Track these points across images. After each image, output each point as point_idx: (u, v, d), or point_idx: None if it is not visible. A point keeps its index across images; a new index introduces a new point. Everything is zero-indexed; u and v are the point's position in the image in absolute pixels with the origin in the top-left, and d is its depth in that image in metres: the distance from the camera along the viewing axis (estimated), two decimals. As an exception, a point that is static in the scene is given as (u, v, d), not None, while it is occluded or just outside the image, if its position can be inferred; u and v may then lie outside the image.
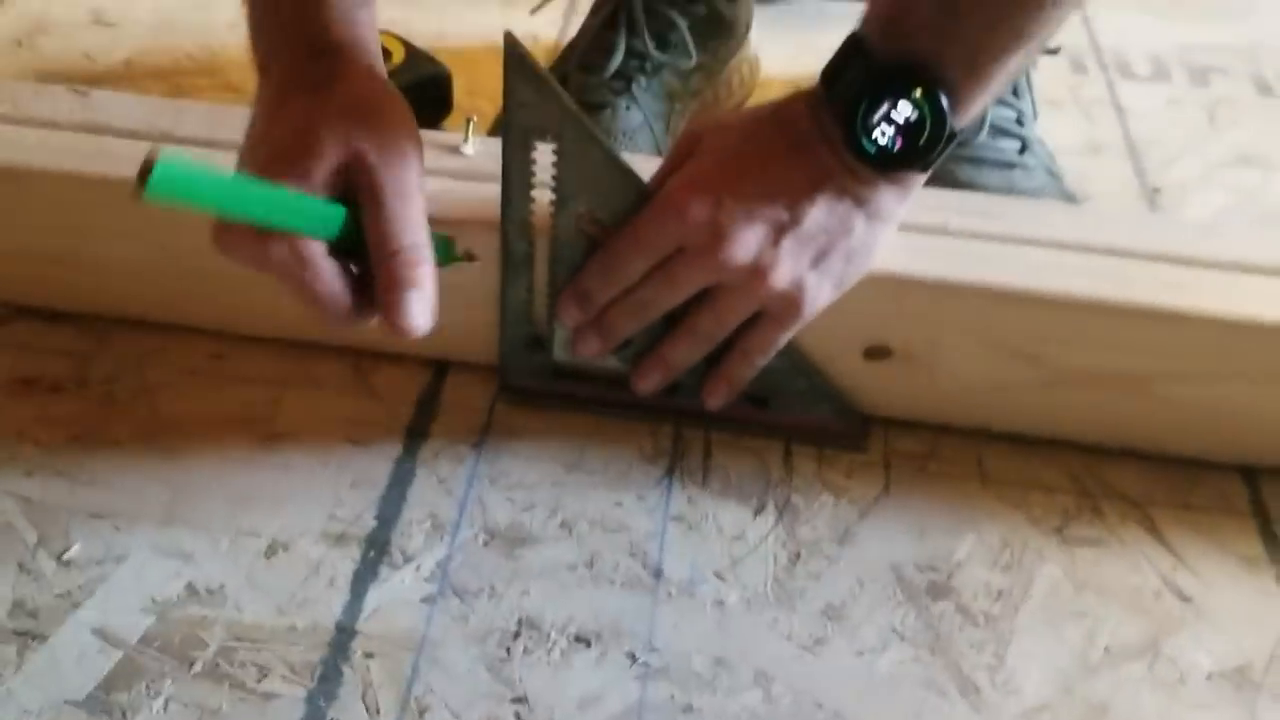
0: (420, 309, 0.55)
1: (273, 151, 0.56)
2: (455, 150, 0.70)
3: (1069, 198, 0.83)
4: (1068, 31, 1.11)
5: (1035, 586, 0.62)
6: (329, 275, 0.55)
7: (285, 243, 0.54)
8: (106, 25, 1.03)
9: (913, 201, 0.61)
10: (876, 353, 0.67)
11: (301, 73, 0.58)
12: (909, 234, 0.67)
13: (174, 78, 0.97)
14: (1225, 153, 0.98)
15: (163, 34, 1.02)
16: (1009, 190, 0.80)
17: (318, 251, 0.55)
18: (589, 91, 0.85)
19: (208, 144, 0.69)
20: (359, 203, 0.56)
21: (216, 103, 0.91)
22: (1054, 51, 0.90)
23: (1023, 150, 0.83)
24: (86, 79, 0.94)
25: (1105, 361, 0.66)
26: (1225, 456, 0.69)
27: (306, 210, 0.55)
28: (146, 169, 0.50)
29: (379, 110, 0.58)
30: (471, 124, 0.71)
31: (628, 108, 0.85)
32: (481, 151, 0.70)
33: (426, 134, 0.70)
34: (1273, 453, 0.68)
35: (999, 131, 0.83)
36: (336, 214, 0.55)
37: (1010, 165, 0.82)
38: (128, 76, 0.96)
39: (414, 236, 0.56)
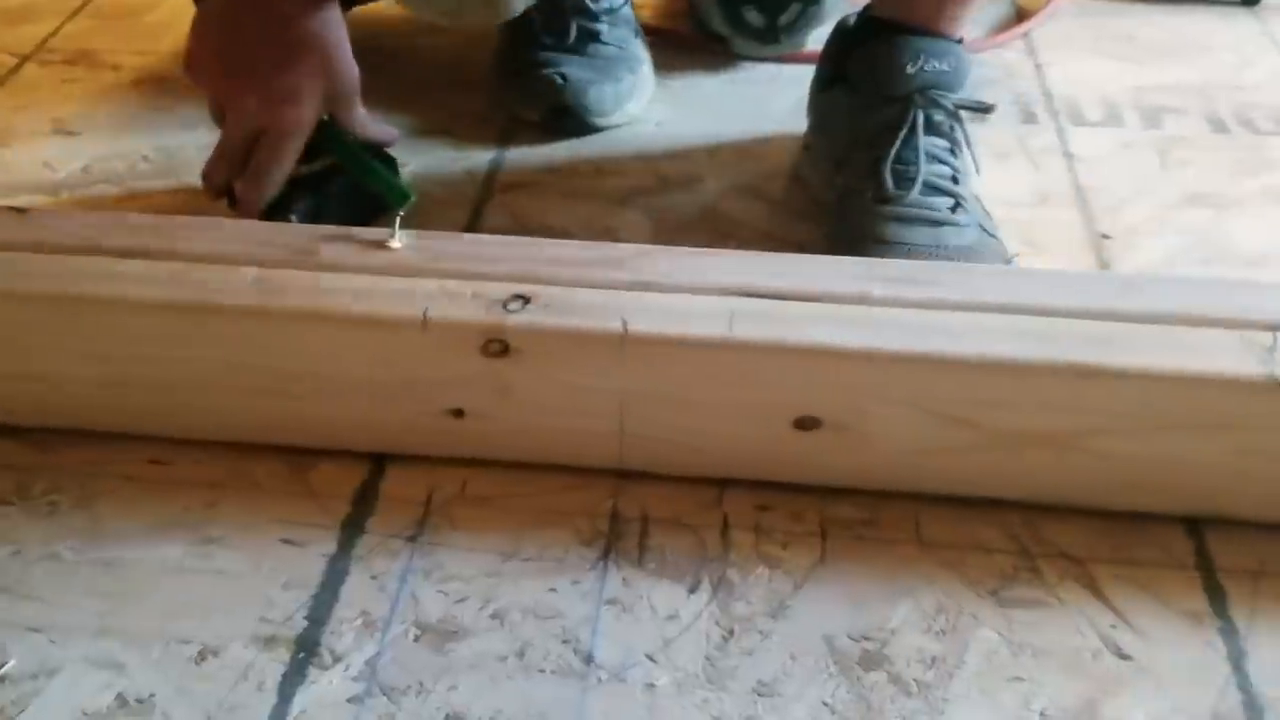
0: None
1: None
2: (382, 245, 0.71)
3: (1002, 255, 0.83)
4: (1019, 81, 1.13)
5: (970, 652, 0.62)
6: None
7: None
8: (68, 134, 1.05)
9: None
10: (806, 423, 0.67)
11: None
12: (832, 304, 0.68)
13: (129, 181, 0.99)
14: (1176, 193, 0.98)
15: (121, 138, 1.04)
16: (937, 247, 0.80)
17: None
18: None
19: (143, 254, 0.71)
20: None
21: (170, 204, 0.93)
22: (988, 110, 0.90)
23: (955, 208, 0.83)
24: (49, 188, 0.97)
25: (1038, 421, 0.65)
26: (1168, 509, 0.68)
27: None
28: None
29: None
30: (399, 218, 0.72)
31: None
32: (408, 246, 0.71)
33: (354, 230, 0.72)
34: (1216, 503, 0.67)
35: (932, 189, 0.83)
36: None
37: (940, 223, 0.82)
38: (85, 183, 0.98)
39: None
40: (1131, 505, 0.68)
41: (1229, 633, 0.63)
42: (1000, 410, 0.65)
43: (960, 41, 0.89)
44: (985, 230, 0.83)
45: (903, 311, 0.67)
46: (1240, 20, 1.26)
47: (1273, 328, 0.66)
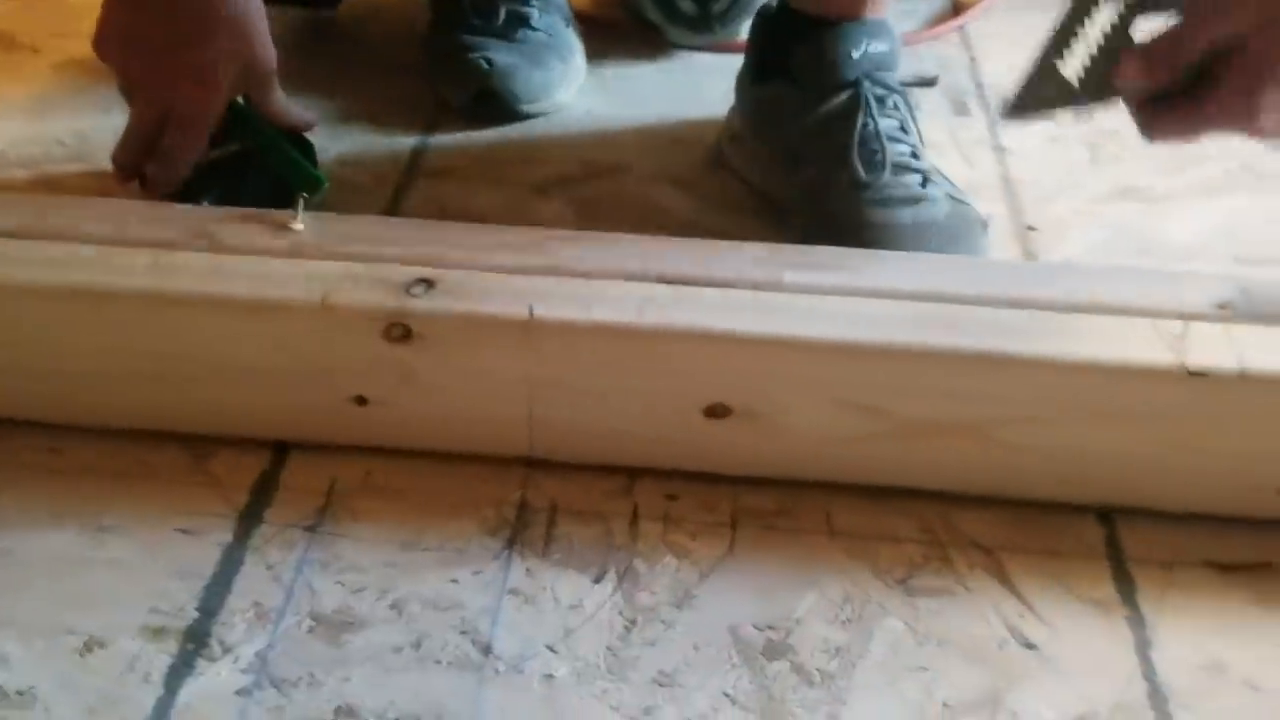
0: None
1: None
2: (284, 227, 0.70)
3: (979, 220, 0.83)
4: (953, 74, 1.13)
5: (875, 641, 0.61)
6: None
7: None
8: (-17, 117, 1.03)
9: None
10: (717, 411, 0.66)
11: None
12: (743, 291, 0.67)
13: (44, 165, 0.96)
14: (1105, 187, 0.97)
15: (37, 122, 1.02)
16: (918, 224, 0.81)
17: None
18: None
19: (38, 235, 0.69)
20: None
21: (83, 188, 0.91)
22: (931, 83, 0.91)
23: (924, 183, 0.83)
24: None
25: (945, 410, 0.65)
26: (1080, 498, 0.68)
27: None
28: None
29: None
30: (302, 200, 0.71)
31: None
32: (312, 228, 0.70)
33: (255, 212, 0.70)
34: (1127, 493, 0.67)
35: (900, 168, 0.83)
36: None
37: (916, 200, 0.82)
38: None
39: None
40: (1043, 495, 0.67)
41: (1136, 622, 0.62)
42: (910, 399, 0.64)
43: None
44: (956, 199, 0.83)
45: (814, 298, 0.66)
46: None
47: (1184, 316, 0.65)
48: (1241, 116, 0.65)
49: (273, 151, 0.84)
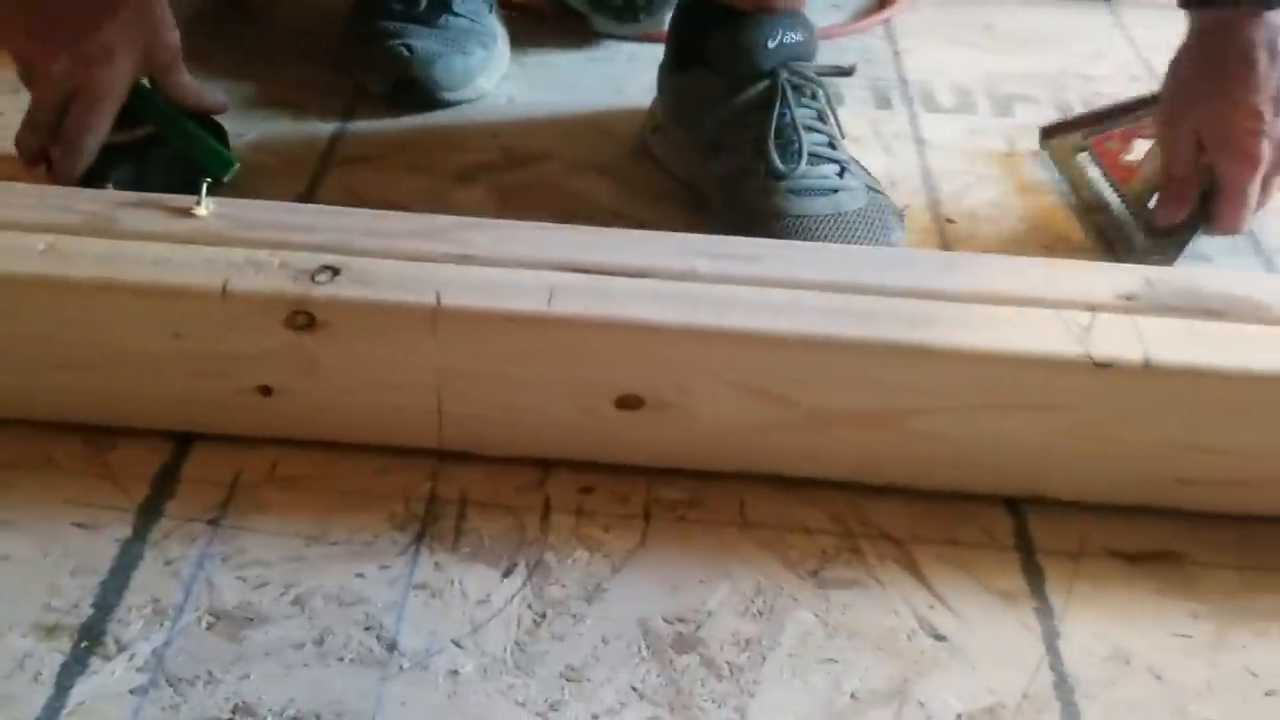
0: None
1: None
2: (186, 213, 0.68)
3: (895, 210, 0.84)
4: (876, 67, 1.13)
5: (786, 633, 0.61)
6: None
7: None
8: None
9: None
10: (629, 402, 0.66)
11: None
12: (655, 280, 0.66)
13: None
14: (1023, 180, 0.98)
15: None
16: (836, 215, 0.81)
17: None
18: None
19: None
20: None
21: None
22: (848, 73, 0.91)
23: (841, 173, 0.83)
24: None
25: (854, 400, 0.65)
26: (990, 489, 0.68)
27: None
28: None
29: None
30: (206, 185, 0.69)
31: None
32: (215, 214, 0.68)
33: (158, 196, 0.68)
34: (1037, 483, 0.67)
35: (816, 158, 0.83)
36: None
37: (834, 190, 0.82)
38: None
39: None
40: (954, 485, 0.67)
41: (1044, 613, 0.63)
42: (819, 388, 0.64)
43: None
44: (873, 189, 0.84)
45: (726, 288, 0.66)
46: (1096, 13, 1.27)
47: (1091, 307, 0.66)
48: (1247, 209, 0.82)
49: (180, 134, 0.82)
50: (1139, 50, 1.19)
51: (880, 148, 1.01)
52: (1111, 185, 0.93)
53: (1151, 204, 0.89)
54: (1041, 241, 0.91)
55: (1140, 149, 0.93)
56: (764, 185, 0.82)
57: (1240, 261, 0.89)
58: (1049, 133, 1.00)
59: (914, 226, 0.91)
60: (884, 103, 1.08)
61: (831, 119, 0.88)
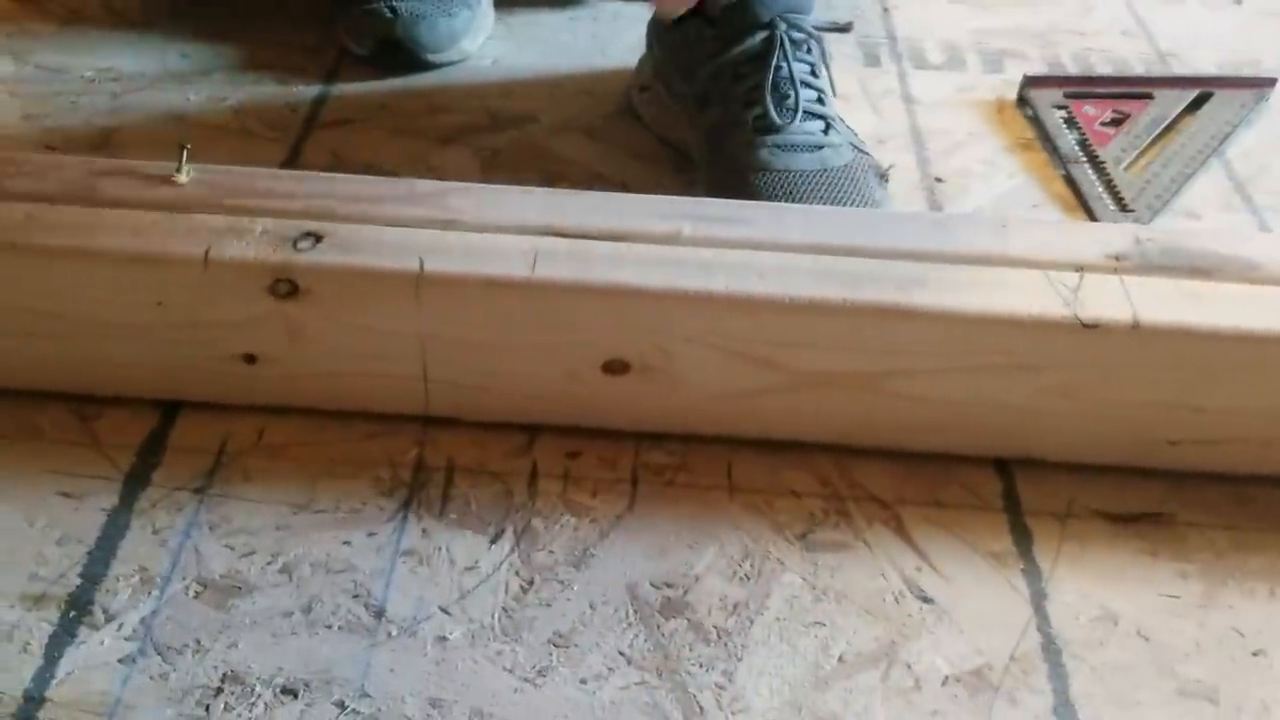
0: None
1: None
2: (168, 180, 0.67)
3: (877, 169, 0.83)
4: (865, 24, 1.12)
5: (773, 597, 0.61)
6: None
7: None
8: None
9: None
10: (615, 367, 0.65)
11: None
12: (639, 244, 0.66)
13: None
14: (1012, 138, 0.97)
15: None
16: (820, 171, 0.80)
17: None
18: None
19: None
20: None
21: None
22: (845, 28, 0.90)
23: (827, 130, 0.83)
24: None
25: (842, 363, 0.64)
26: (979, 451, 0.68)
27: None
28: None
29: None
30: (186, 151, 0.68)
31: None
32: (196, 181, 0.67)
33: (138, 164, 0.67)
34: (1025, 445, 0.67)
35: (805, 114, 0.82)
36: None
37: (819, 146, 0.82)
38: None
39: None
40: (942, 447, 0.67)
41: (1032, 575, 0.63)
42: (806, 352, 0.64)
43: None
44: (857, 148, 0.83)
45: (711, 251, 0.65)
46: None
47: (1079, 268, 0.65)
48: None
49: None
50: (1130, 3, 1.18)
51: (869, 106, 1.00)
52: (1083, 146, 0.93)
53: (1122, 168, 0.90)
54: (1031, 200, 0.90)
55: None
56: (749, 139, 0.81)
57: (1232, 218, 0.88)
58: (1032, 82, 1.00)
59: (903, 185, 0.90)
60: (873, 60, 1.07)
61: (824, 74, 0.87)
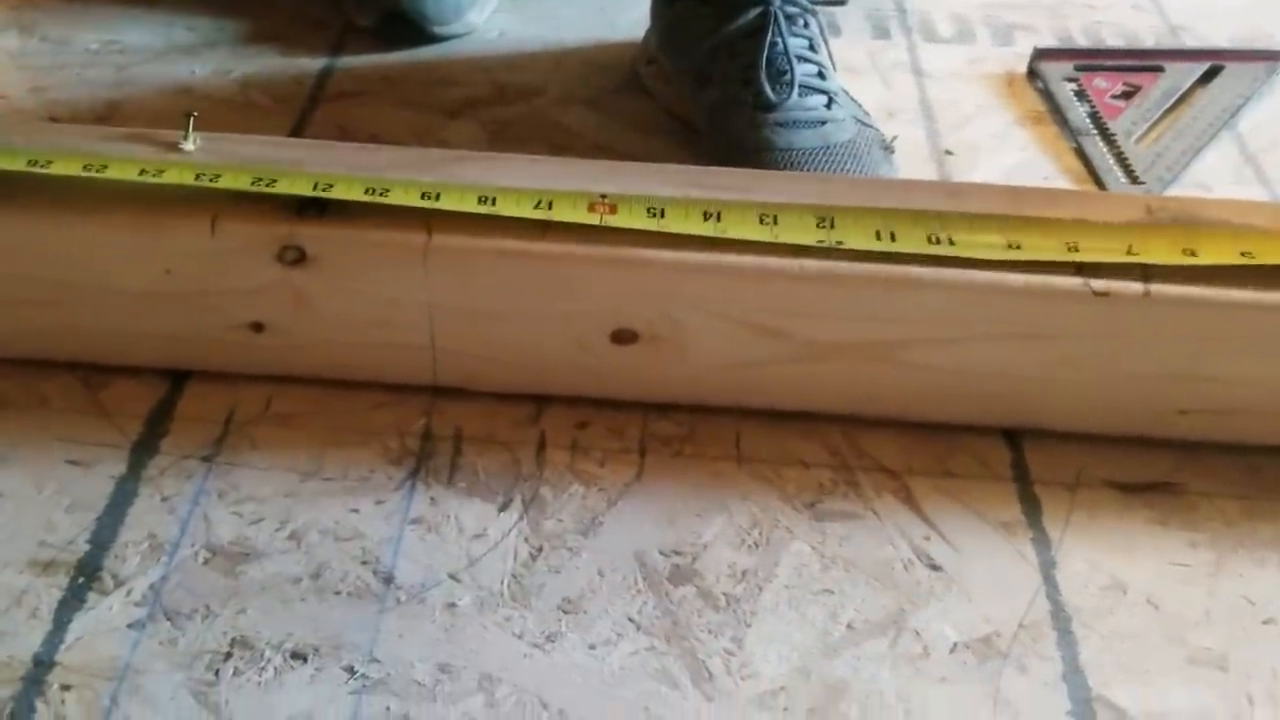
0: None
1: None
2: (174, 147, 0.67)
3: (882, 141, 0.82)
4: (873, -2, 1.11)
5: (782, 565, 0.61)
6: None
7: None
8: None
9: None
10: (623, 336, 0.65)
11: None
12: (649, 211, 0.65)
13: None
14: (1022, 111, 0.97)
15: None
16: (824, 148, 0.79)
17: None
18: None
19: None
20: None
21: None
22: (841, 2, 0.89)
23: (830, 104, 0.82)
24: None
25: (850, 332, 0.64)
26: (987, 420, 0.68)
27: None
28: None
29: None
30: (192, 119, 0.68)
31: None
32: (203, 148, 0.67)
33: (143, 131, 0.67)
34: (1034, 414, 0.67)
35: (806, 89, 0.82)
36: None
37: (821, 122, 0.81)
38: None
39: None
40: (950, 417, 0.67)
41: (1041, 543, 0.63)
42: (814, 321, 0.63)
43: None
44: (861, 121, 0.82)
45: (721, 220, 0.65)
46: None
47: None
48: None
49: None
50: (1141, -22, 1.17)
51: (878, 78, 1.00)
52: (1093, 119, 0.92)
53: (1133, 141, 0.89)
54: (1041, 173, 0.90)
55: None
56: (751, 117, 0.81)
57: (1243, 191, 0.88)
58: (1042, 55, 1.00)
59: (912, 158, 0.90)
60: (882, 33, 1.07)
61: (824, 49, 0.86)
